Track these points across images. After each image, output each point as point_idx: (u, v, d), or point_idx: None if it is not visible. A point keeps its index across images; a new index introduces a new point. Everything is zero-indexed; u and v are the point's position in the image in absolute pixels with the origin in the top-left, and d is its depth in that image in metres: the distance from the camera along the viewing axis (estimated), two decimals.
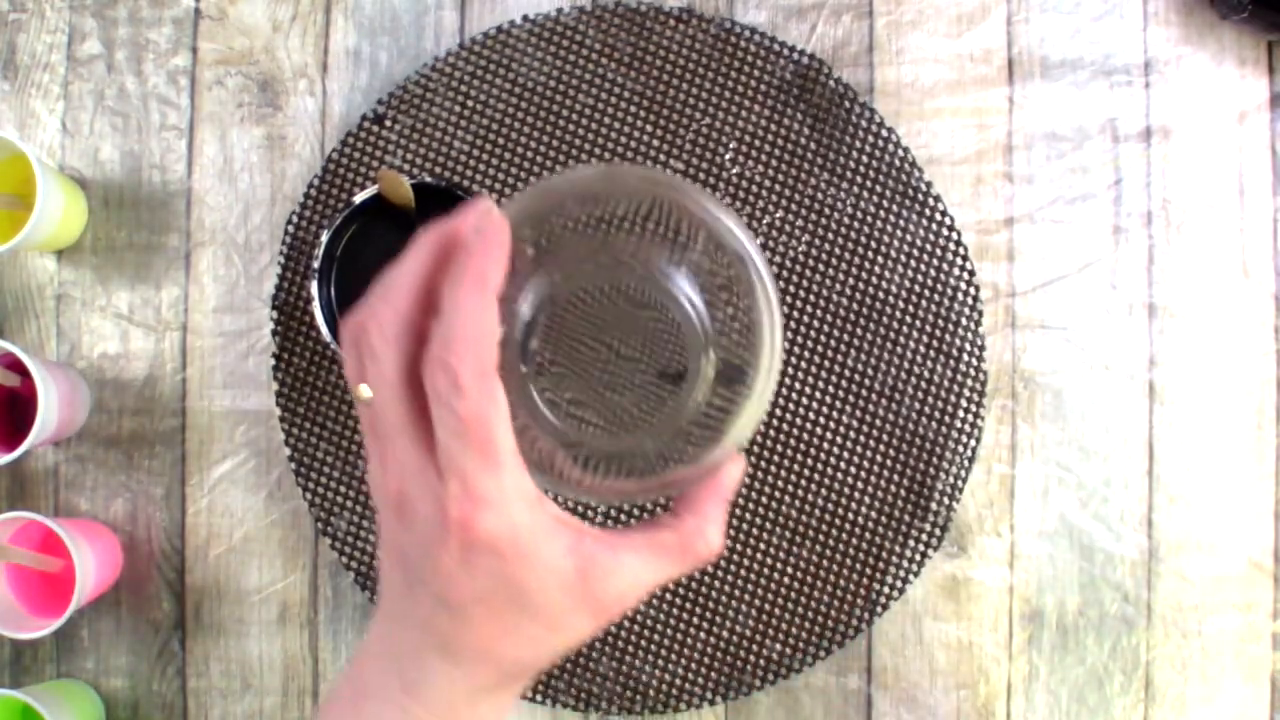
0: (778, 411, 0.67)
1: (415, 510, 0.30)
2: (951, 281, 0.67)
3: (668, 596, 0.67)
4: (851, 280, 0.67)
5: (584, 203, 0.34)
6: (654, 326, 0.35)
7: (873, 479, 0.67)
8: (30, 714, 0.63)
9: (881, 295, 0.67)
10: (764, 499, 0.67)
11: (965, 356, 0.67)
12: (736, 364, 0.34)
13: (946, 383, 0.67)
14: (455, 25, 0.70)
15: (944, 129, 0.68)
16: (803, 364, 0.67)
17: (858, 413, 0.67)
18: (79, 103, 0.70)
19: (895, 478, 0.67)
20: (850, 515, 0.67)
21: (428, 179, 0.61)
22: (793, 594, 0.66)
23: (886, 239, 0.67)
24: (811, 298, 0.67)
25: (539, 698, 0.67)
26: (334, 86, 0.70)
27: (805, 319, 0.67)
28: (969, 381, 0.67)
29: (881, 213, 0.67)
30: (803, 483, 0.67)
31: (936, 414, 0.67)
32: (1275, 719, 0.66)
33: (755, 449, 0.67)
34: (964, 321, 0.67)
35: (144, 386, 0.69)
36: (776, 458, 0.67)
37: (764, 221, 0.68)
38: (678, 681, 0.66)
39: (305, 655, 0.68)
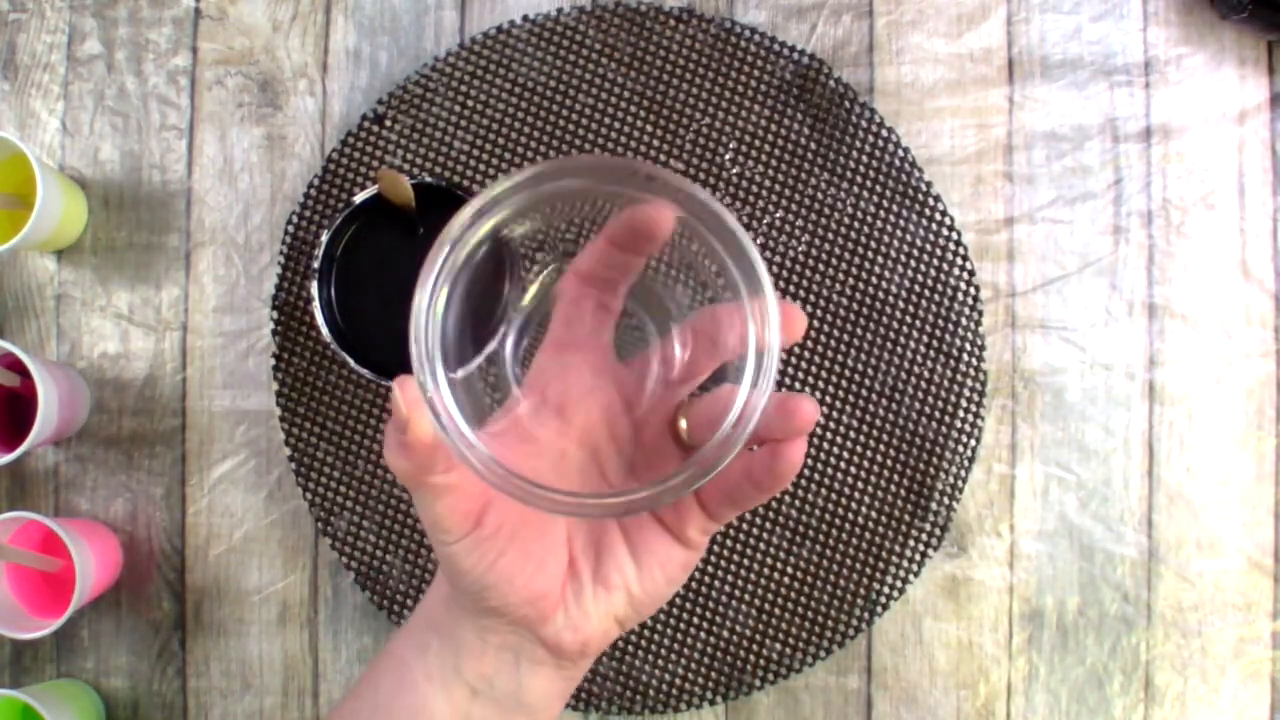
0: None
1: None
2: (951, 281, 0.67)
3: None
4: (851, 280, 0.67)
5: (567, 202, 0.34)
6: (631, 334, 0.35)
7: (873, 479, 0.67)
8: (30, 714, 0.63)
9: (881, 295, 0.67)
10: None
11: (965, 356, 0.67)
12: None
13: (946, 383, 0.67)
14: (455, 25, 0.70)
15: (944, 129, 0.68)
16: (803, 364, 0.67)
17: (858, 413, 0.67)
18: (79, 103, 0.70)
19: (895, 478, 0.67)
20: (850, 515, 0.67)
21: (428, 179, 0.61)
22: (793, 594, 0.66)
23: (886, 239, 0.67)
24: (811, 298, 0.67)
25: None
26: (334, 86, 0.70)
27: (805, 319, 0.67)
28: (969, 381, 0.67)
29: (881, 213, 0.67)
30: (803, 483, 0.67)
31: (936, 414, 0.67)
32: (1275, 719, 0.66)
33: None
34: (964, 321, 0.67)
35: (144, 386, 0.69)
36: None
37: (764, 221, 0.68)
38: (678, 681, 0.66)
39: (305, 655, 0.68)
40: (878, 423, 0.67)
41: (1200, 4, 0.68)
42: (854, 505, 0.67)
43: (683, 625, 0.67)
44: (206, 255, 0.69)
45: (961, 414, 0.67)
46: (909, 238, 0.67)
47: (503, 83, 0.68)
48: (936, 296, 0.67)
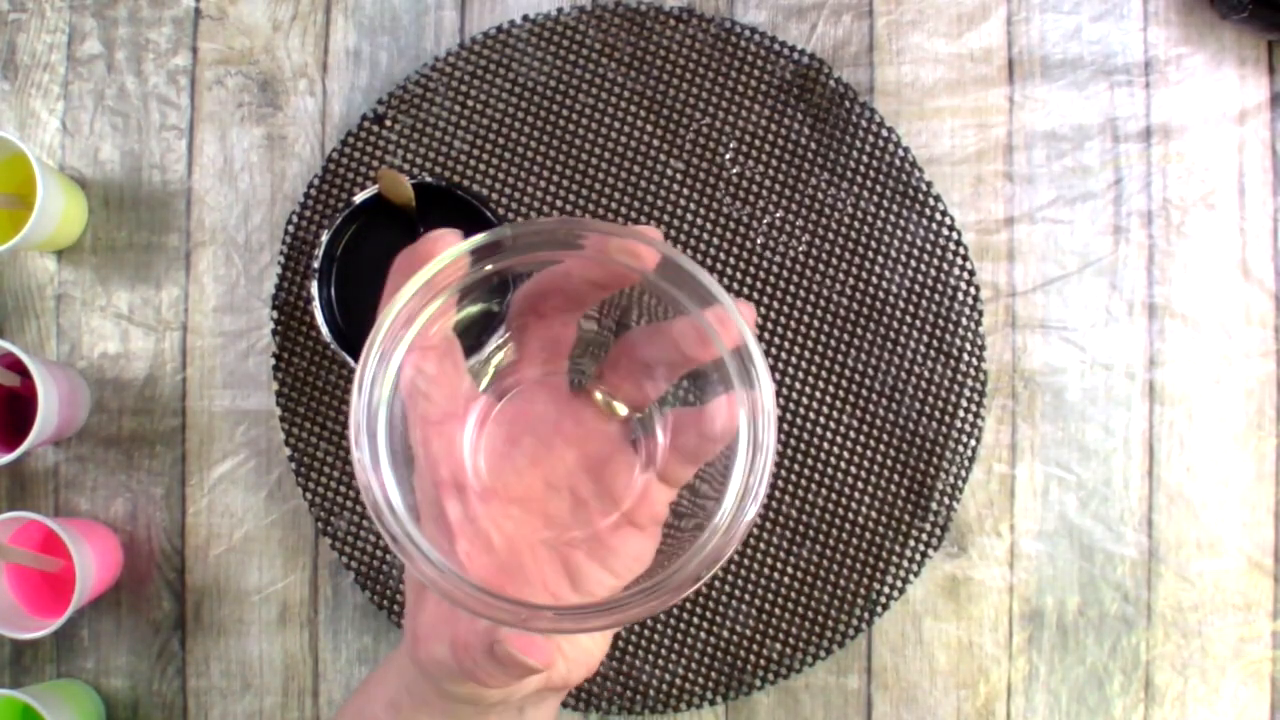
0: (778, 411, 0.67)
1: None
2: (951, 281, 0.67)
3: None
4: (851, 280, 0.67)
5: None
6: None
7: (873, 479, 0.67)
8: (30, 714, 0.63)
9: (881, 295, 0.67)
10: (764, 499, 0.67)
11: (965, 356, 0.67)
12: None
13: (946, 383, 0.67)
14: (455, 25, 0.70)
15: (944, 129, 0.68)
16: (803, 364, 0.67)
17: (858, 413, 0.67)
18: (79, 103, 0.70)
19: (895, 478, 0.67)
20: (850, 515, 0.67)
21: (428, 179, 0.61)
22: (793, 594, 0.66)
23: (886, 239, 0.67)
24: (811, 298, 0.67)
25: None
26: (334, 86, 0.70)
27: (805, 319, 0.67)
28: (969, 381, 0.67)
29: (881, 213, 0.67)
30: (803, 483, 0.67)
31: (936, 414, 0.67)
32: (1275, 719, 0.66)
33: None
34: (964, 321, 0.67)
35: (144, 386, 0.69)
36: (777, 457, 0.66)
37: (764, 221, 0.68)
38: (678, 681, 0.66)
39: (305, 655, 0.68)
40: (878, 423, 0.67)
41: (1200, 4, 0.68)
42: (854, 505, 0.67)
43: (683, 625, 0.67)
44: (206, 255, 0.69)
45: (961, 414, 0.67)
46: (909, 238, 0.67)
47: (503, 83, 0.68)
48: (936, 296, 0.67)
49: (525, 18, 0.68)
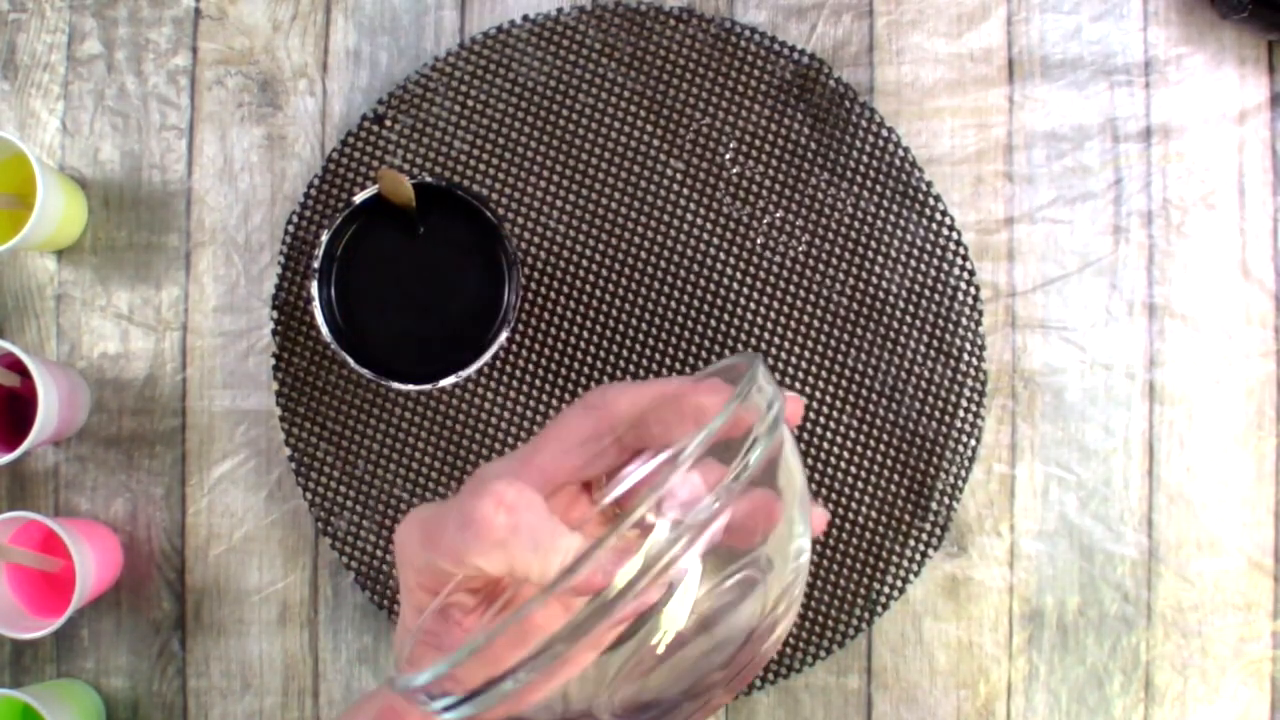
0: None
1: None
2: (951, 281, 0.67)
3: None
4: (851, 280, 0.67)
5: None
6: None
7: (873, 479, 0.67)
8: (30, 714, 0.63)
9: (881, 295, 0.67)
10: None
11: (965, 356, 0.67)
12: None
13: (946, 383, 0.67)
14: (455, 25, 0.70)
15: (944, 129, 0.68)
16: (803, 364, 0.67)
17: (858, 413, 0.67)
18: (79, 103, 0.70)
19: (895, 478, 0.67)
20: (850, 515, 0.67)
21: (428, 179, 0.61)
22: None
23: (886, 239, 0.67)
24: (811, 298, 0.67)
25: None
26: (334, 86, 0.70)
27: (805, 319, 0.67)
28: (969, 381, 0.67)
29: (881, 213, 0.67)
30: None
31: (936, 414, 0.67)
32: (1275, 719, 0.66)
33: None
34: (964, 321, 0.67)
35: (144, 386, 0.69)
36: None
37: (764, 221, 0.68)
38: None
39: (305, 655, 0.68)
40: (878, 423, 0.67)
41: (1200, 4, 0.68)
42: (854, 505, 0.67)
43: None
44: (206, 255, 0.69)
45: (961, 414, 0.67)
46: (909, 238, 0.67)
47: (503, 83, 0.68)
48: (936, 296, 0.67)
49: (525, 18, 0.68)
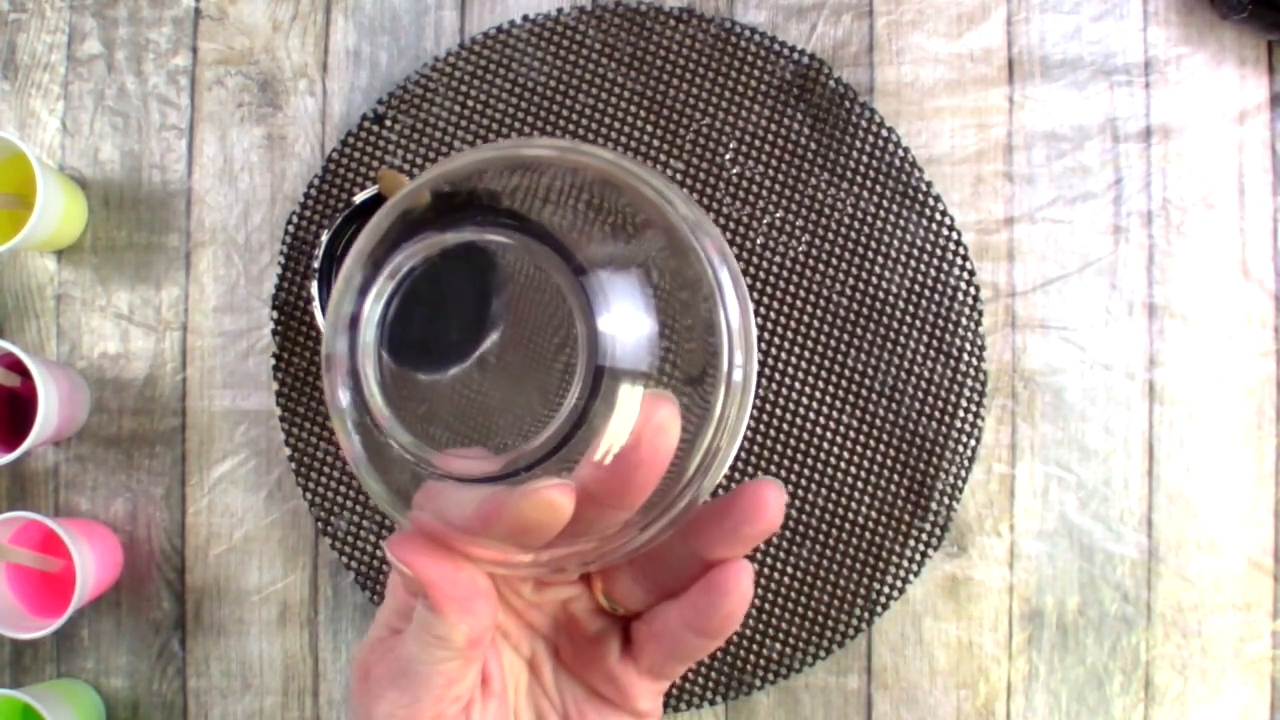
0: (778, 411, 0.67)
1: None
2: (951, 281, 0.67)
3: None
4: (851, 280, 0.67)
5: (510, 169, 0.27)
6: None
7: (873, 479, 0.67)
8: (30, 714, 0.63)
9: (881, 295, 0.67)
10: None
11: (965, 356, 0.67)
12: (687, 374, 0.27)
13: (946, 383, 0.67)
14: (455, 25, 0.70)
15: (944, 129, 0.68)
16: (803, 364, 0.67)
17: (858, 413, 0.67)
18: (79, 103, 0.70)
19: (895, 478, 0.67)
20: (850, 515, 0.67)
21: None
22: (793, 594, 0.66)
23: (886, 239, 0.67)
24: (811, 298, 0.67)
25: None
26: (334, 86, 0.70)
27: (805, 319, 0.67)
28: (969, 381, 0.67)
29: (881, 213, 0.67)
30: (803, 483, 0.67)
31: (936, 414, 0.67)
32: (1275, 719, 0.66)
33: (756, 448, 0.67)
34: (964, 321, 0.67)
35: (144, 386, 0.69)
36: (777, 458, 0.67)
37: (764, 221, 0.68)
38: (678, 681, 0.66)
39: (305, 655, 0.68)
40: (878, 423, 0.67)
41: (1200, 4, 0.68)
42: (854, 505, 0.67)
43: None
44: (206, 255, 0.69)
45: (961, 414, 0.67)
46: (909, 238, 0.67)
47: (503, 83, 0.68)
48: (936, 296, 0.67)
49: (525, 18, 0.68)
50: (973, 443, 0.67)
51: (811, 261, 0.67)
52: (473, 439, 0.26)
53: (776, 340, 0.67)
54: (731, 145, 0.68)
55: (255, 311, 0.69)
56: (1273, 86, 0.68)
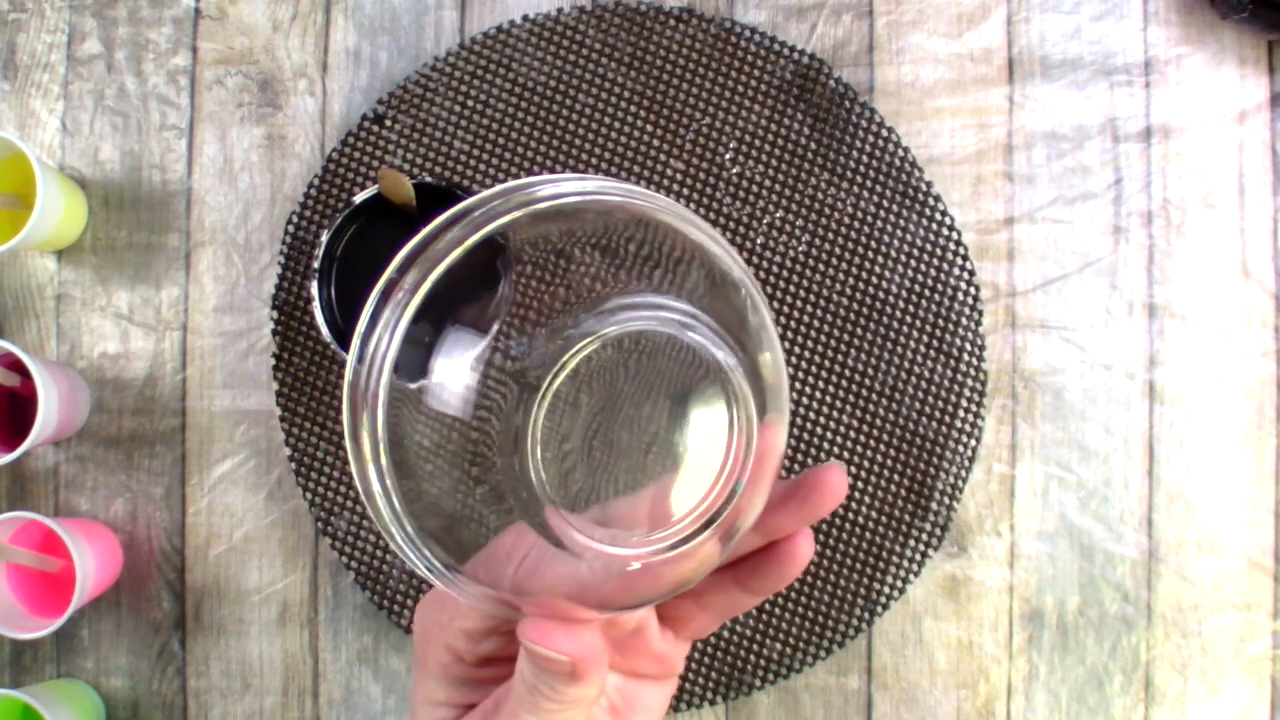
0: None
1: None
2: (951, 281, 0.67)
3: None
4: (851, 280, 0.67)
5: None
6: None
7: (873, 479, 0.67)
8: (30, 714, 0.63)
9: (881, 295, 0.67)
10: None
11: (965, 356, 0.67)
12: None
13: (946, 383, 0.67)
14: (455, 25, 0.70)
15: (944, 129, 0.68)
16: (803, 364, 0.67)
17: (858, 413, 0.67)
18: (79, 102, 0.70)
19: (895, 478, 0.67)
20: (850, 515, 0.67)
21: (428, 179, 0.61)
22: (793, 594, 0.66)
23: (886, 239, 0.67)
24: (811, 298, 0.67)
25: None
26: (334, 86, 0.70)
27: (805, 319, 0.67)
28: (969, 381, 0.67)
29: (881, 213, 0.67)
30: None
31: (936, 414, 0.67)
32: (1276, 719, 0.66)
33: None
34: (964, 321, 0.67)
35: (144, 386, 0.69)
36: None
37: (764, 221, 0.68)
38: (678, 681, 0.66)
39: (305, 655, 0.68)
40: (878, 423, 0.67)
41: (1200, 4, 0.68)
42: (854, 505, 0.67)
43: None
44: (206, 255, 0.69)
45: (961, 414, 0.67)
46: (909, 238, 0.67)
47: (503, 83, 0.68)
48: (936, 296, 0.67)
49: (525, 18, 0.68)
50: (973, 443, 0.67)
51: (811, 261, 0.67)
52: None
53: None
54: (731, 145, 0.68)
55: (255, 311, 0.69)
56: (1273, 86, 0.68)
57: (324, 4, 0.70)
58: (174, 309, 0.69)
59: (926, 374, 0.67)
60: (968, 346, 0.67)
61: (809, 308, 0.67)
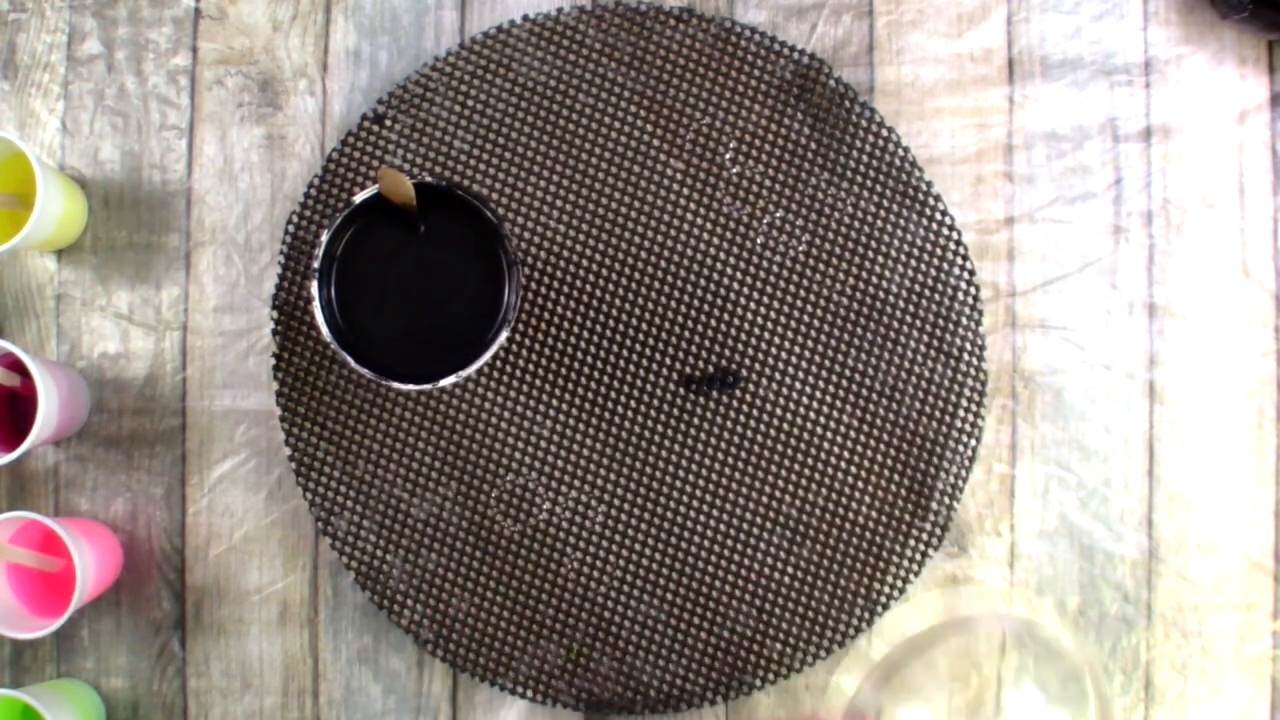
0: (778, 411, 0.67)
1: None
2: (951, 281, 0.67)
3: (668, 596, 0.67)
4: (851, 280, 0.67)
5: None
6: None
7: (873, 479, 0.67)
8: (30, 714, 0.63)
9: (881, 295, 0.67)
10: (764, 499, 0.67)
11: (965, 356, 0.67)
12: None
13: (946, 383, 0.67)
14: (455, 25, 0.70)
15: (944, 129, 0.68)
16: (803, 364, 0.67)
17: (858, 413, 0.67)
18: (79, 102, 0.70)
19: (895, 478, 0.67)
20: (850, 515, 0.67)
21: (428, 179, 0.61)
22: (793, 594, 0.66)
23: (886, 239, 0.67)
24: (811, 298, 0.67)
25: (539, 698, 0.67)
26: (334, 86, 0.70)
27: (805, 319, 0.67)
28: (969, 381, 0.67)
29: (881, 213, 0.67)
30: (803, 483, 0.67)
31: (936, 414, 0.67)
32: (1276, 719, 0.66)
33: (755, 448, 0.67)
34: (964, 321, 0.67)
35: (144, 386, 0.69)
36: (776, 458, 0.67)
37: (764, 221, 0.68)
38: (678, 681, 0.67)
39: (305, 655, 0.68)
40: (878, 423, 0.67)
41: (1200, 4, 0.68)
42: (854, 505, 0.67)
43: (683, 625, 0.67)
44: (206, 255, 0.69)
45: (961, 414, 0.67)
46: (909, 238, 0.67)
47: (503, 83, 0.68)
48: (936, 296, 0.67)
49: (525, 18, 0.68)
50: (973, 443, 0.67)
51: (811, 261, 0.67)
52: None
53: (776, 340, 0.67)
54: (731, 145, 0.68)
55: (255, 311, 0.69)
56: (1273, 86, 0.68)
57: (324, 4, 0.70)
58: (174, 309, 0.69)
59: (926, 374, 0.67)
60: (968, 346, 0.67)
61: (809, 308, 0.67)
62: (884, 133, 0.67)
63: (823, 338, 0.67)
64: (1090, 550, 0.67)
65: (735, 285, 0.67)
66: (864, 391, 0.67)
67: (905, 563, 0.66)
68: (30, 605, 0.65)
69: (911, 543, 0.66)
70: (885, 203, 0.67)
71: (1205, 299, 0.67)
